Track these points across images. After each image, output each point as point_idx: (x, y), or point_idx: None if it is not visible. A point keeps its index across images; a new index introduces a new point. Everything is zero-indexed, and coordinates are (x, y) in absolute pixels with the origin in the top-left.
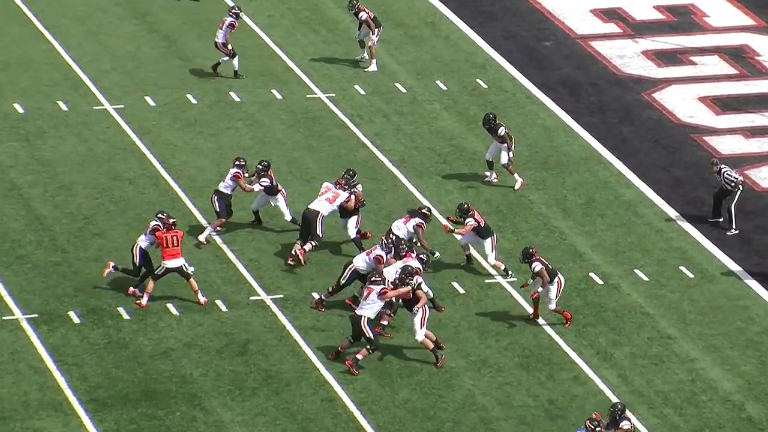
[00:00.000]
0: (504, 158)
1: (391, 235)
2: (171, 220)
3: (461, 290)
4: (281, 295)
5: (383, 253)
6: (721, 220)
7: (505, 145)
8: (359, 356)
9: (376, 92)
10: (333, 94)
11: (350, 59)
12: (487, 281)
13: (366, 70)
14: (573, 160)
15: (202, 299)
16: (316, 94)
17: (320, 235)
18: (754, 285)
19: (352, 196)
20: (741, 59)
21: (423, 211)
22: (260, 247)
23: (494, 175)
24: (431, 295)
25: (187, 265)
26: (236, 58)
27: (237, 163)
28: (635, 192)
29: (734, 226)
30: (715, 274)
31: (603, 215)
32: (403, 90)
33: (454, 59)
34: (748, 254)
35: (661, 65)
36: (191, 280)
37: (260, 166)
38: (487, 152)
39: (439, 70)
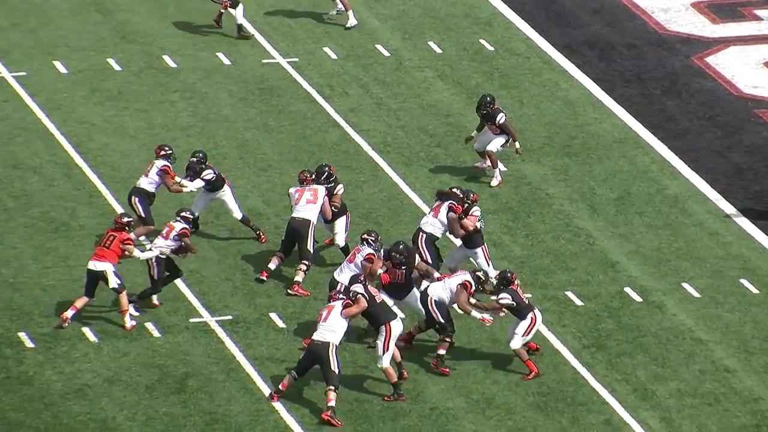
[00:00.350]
0: (496, 144)
1: (421, 233)
2: (125, 219)
3: (460, 311)
4: (230, 317)
5: (373, 250)
6: None
7: (504, 135)
8: (331, 403)
9: (352, 56)
10: (296, 59)
11: (318, 13)
12: (493, 298)
13: (347, 27)
14: (603, 142)
15: (129, 323)
16: (274, 58)
17: (311, 251)
18: None
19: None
20: None
21: (453, 190)
22: (203, 255)
23: (486, 164)
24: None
25: (112, 273)
26: (239, 9)
27: (162, 152)
28: (683, 184)
29: None
30: None
31: (642, 213)
32: (386, 53)
33: (452, 14)
34: None
35: (717, 21)
36: (122, 295)
37: (194, 159)
38: (476, 142)
39: (432, 28)
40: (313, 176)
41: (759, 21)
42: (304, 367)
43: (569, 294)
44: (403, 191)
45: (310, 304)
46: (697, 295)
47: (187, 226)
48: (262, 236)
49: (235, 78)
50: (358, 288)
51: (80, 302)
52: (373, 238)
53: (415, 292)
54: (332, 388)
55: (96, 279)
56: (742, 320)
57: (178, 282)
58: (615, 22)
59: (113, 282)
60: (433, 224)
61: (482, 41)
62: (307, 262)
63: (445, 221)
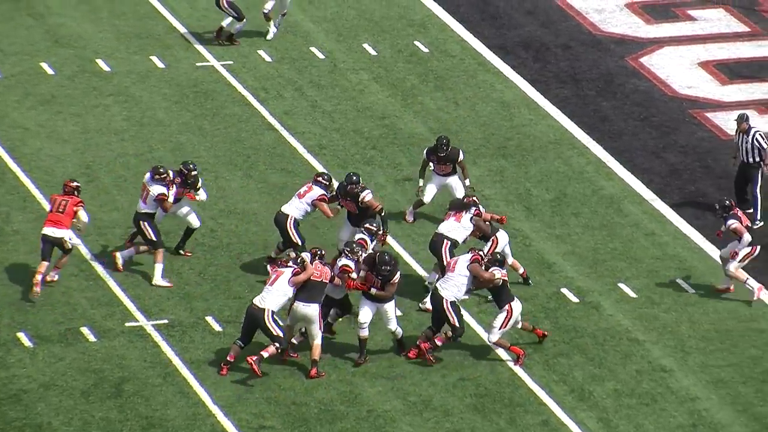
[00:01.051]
0: (462, 189)
1: (446, 241)
2: (74, 184)
3: (397, 311)
4: (166, 320)
5: (350, 262)
6: (750, 211)
7: (461, 172)
8: (265, 353)
9: (286, 59)
10: (230, 62)
11: (251, 17)
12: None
13: (267, 38)
14: (539, 143)
15: (53, 277)
16: (208, 61)
17: (298, 242)
18: None
19: (316, 189)
20: (753, 13)
21: (474, 198)
22: (138, 258)
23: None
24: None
25: (70, 238)
26: (243, 23)
27: (158, 176)
28: (619, 184)
29: (758, 216)
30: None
31: (577, 214)
32: (321, 56)
33: (386, 16)
34: (764, 263)
35: (651, 21)
36: (66, 257)
37: (195, 173)
38: (425, 192)
39: (366, 30)
40: (324, 178)
41: (693, 21)
42: (246, 333)
43: None
44: None
45: (246, 308)
46: (633, 295)
47: (368, 238)
48: (187, 253)
49: (169, 81)
50: (306, 255)
51: (43, 268)
52: (348, 249)
53: (392, 304)
54: (277, 344)
55: (53, 245)
56: (678, 320)
57: (113, 285)
58: (549, 23)
59: (69, 244)
60: (457, 230)
61: (417, 43)
62: (294, 251)
63: (469, 226)
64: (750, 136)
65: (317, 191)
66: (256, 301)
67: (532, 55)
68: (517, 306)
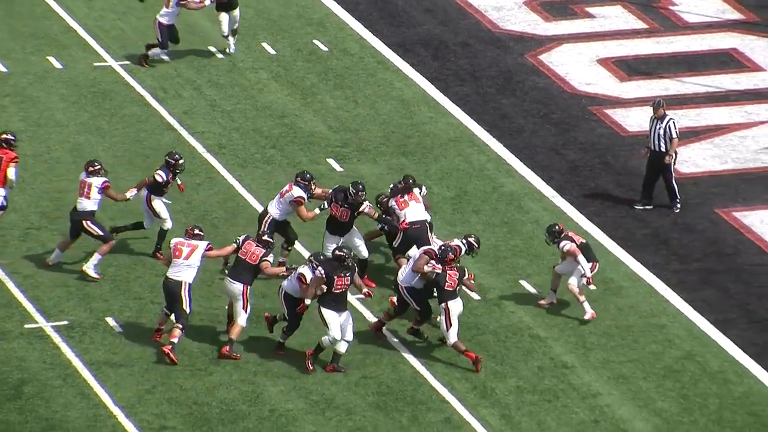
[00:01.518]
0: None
1: (426, 225)
2: (5, 136)
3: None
4: (65, 322)
5: (307, 271)
6: (651, 207)
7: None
8: (174, 339)
9: (185, 58)
10: (128, 62)
11: (149, 17)
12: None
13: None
14: (439, 141)
15: None
16: (106, 61)
17: (271, 241)
18: (673, 298)
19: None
20: (651, 10)
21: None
22: (38, 258)
23: None
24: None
25: (2, 197)
26: (163, 51)
27: (92, 169)
28: (519, 181)
29: (678, 204)
30: (622, 285)
31: (478, 211)
32: (220, 55)
33: (284, 15)
34: (665, 258)
35: (550, 19)
36: None
37: (183, 161)
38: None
39: (265, 29)
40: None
41: (591, 18)
42: (169, 304)
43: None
44: (239, 193)
45: (147, 308)
46: (534, 291)
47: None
48: (160, 256)
49: (67, 82)
50: (242, 237)
51: None
52: (315, 264)
53: (348, 314)
54: (180, 326)
55: None
56: (579, 316)
57: (12, 287)
58: (448, 21)
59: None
60: (423, 209)
61: (316, 42)
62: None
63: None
64: (664, 123)
65: (296, 192)
66: (172, 275)
67: (431, 53)
68: (454, 305)
